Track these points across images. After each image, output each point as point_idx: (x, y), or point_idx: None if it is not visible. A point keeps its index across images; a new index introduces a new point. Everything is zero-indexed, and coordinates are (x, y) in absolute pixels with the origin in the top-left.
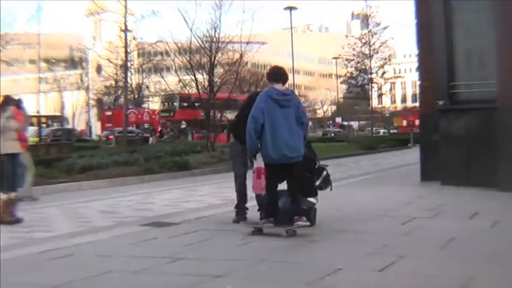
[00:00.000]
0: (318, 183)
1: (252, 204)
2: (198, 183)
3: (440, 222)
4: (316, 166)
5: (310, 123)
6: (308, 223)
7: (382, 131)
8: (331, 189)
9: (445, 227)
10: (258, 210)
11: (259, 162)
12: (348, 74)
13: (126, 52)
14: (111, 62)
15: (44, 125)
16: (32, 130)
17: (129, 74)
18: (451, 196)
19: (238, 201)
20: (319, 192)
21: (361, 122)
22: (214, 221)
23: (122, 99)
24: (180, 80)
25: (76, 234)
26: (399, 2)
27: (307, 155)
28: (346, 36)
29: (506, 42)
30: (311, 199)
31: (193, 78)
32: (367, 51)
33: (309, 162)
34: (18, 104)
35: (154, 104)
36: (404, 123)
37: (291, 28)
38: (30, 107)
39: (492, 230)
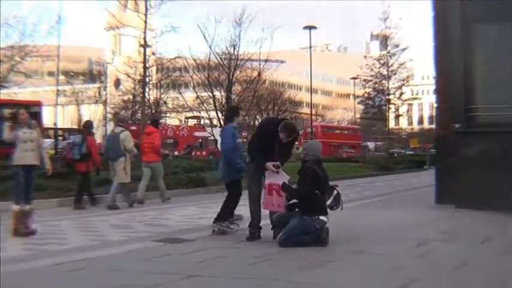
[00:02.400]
0: (329, 202)
1: (265, 222)
2: (213, 200)
3: (454, 246)
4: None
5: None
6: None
7: (396, 151)
8: (341, 209)
9: (458, 250)
10: (272, 228)
11: (271, 178)
12: (366, 95)
13: (145, 67)
14: (129, 77)
15: (60, 138)
16: (48, 143)
17: (147, 89)
18: (465, 220)
19: (252, 219)
20: (331, 212)
21: (377, 143)
22: (229, 239)
23: (139, 114)
24: (197, 97)
25: (89, 248)
26: (418, 24)
27: (318, 173)
28: (365, 56)
29: None
30: (323, 218)
31: (211, 95)
32: (385, 72)
33: (320, 181)
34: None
35: (171, 120)
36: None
37: (310, 47)
38: (48, 119)
39: (504, 256)
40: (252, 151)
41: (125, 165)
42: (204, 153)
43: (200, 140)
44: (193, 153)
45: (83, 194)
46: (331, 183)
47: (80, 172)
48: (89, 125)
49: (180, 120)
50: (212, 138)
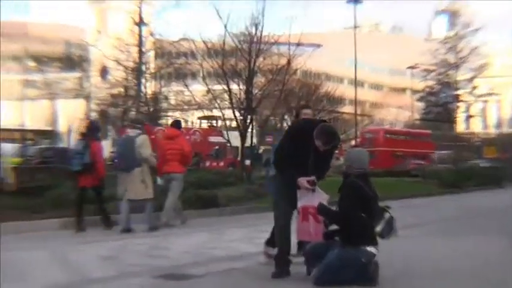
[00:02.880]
0: (379, 228)
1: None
2: (228, 225)
3: None
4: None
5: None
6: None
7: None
8: (396, 236)
9: None
10: (305, 262)
11: (305, 199)
12: (427, 89)
13: (140, 51)
14: (120, 64)
15: (29, 142)
16: (12, 148)
17: (143, 80)
18: None
19: (279, 249)
20: (381, 242)
21: (442, 152)
22: (248, 275)
23: (132, 113)
24: (208, 91)
25: (68, 286)
26: None
27: (365, 191)
28: (426, 39)
29: None
30: (371, 249)
31: (226, 88)
32: (452, 60)
33: (367, 201)
34: None
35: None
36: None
37: (355, 27)
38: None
39: None
40: (280, 162)
41: (143, 177)
42: (221, 163)
43: (217, 147)
44: (207, 164)
45: (83, 214)
46: (381, 203)
47: (82, 187)
48: (93, 127)
49: (186, 121)
50: (229, 144)
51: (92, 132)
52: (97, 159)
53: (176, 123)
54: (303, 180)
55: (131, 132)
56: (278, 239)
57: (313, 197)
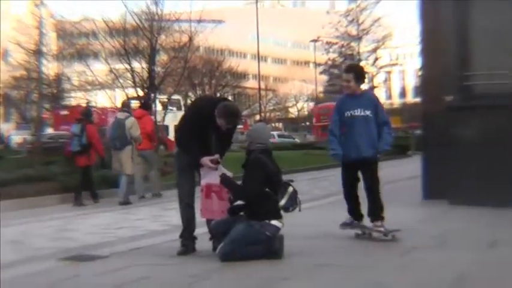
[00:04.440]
0: (282, 202)
1: (202, 231)
2: (134, 204)
3: (448, 254)
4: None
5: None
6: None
7: None
8: (299, 210)
9: (454, 259)
10: (210, 239)
11: (209, 177)
12: (330, 62)
13: (41, 33)
14: (20, 46)
15: None
16: None
17: (44, 61)
18: (462, 219)
19: (184, 227)
20: (285, 215)
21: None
22: (154, 254)
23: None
24: (111, 70)
25: None
26: None
27: (268, 166)
28: (328, 12)
29: None
30: (275, 222)
31: (128, 67)
32: (354, 32)
33: (270, 176)
34: None
35: (77, 101)
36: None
37: (256, 2)
38: None
39: None
40: (182, 140)
41: (132, 155)
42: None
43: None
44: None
45: (83, 190)
46: (285, 177)
47: (80, 166)
48: (87, 112)
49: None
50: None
51: (86, 116)
52: (94, 141)
53: (144, 105)
54: (206, 160)
55: (120, 115)
56: (183, 216)
57: (216, 175)
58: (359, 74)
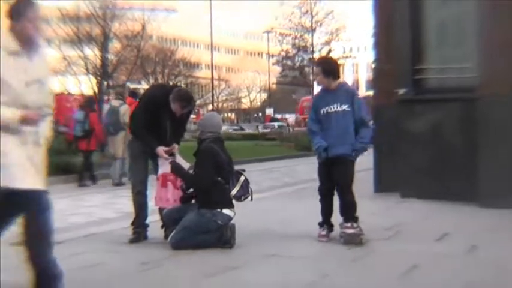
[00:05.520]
0: (234, 192)
1: (154, 219)
2: (87, 191)
3: (399, 246)
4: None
5: (233, 115)
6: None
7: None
8: (251, 199)
9: (405, 251)
10: (162, 227)
11: (165, 167)
12: (283, 53)
13: None
14: None
15: None
16: None
17: None
18: (413, 212)
19: (136, 215)
20: (238, 205)
21: (298, 116)
22: (107, 240)
23: None
24: (64, 57)
25: None
26: None
27: (220, 155)
28: (282, 3)
29: (493, 9)
30: (227, 211)
31: (81, 54)
32: (308, 24)
33: (222, 165)
34: None
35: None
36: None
37: None
38: None
39: (466, 257)
40: (136, 129)
41: (125, 140)
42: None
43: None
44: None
45: (86, 172)
46: (236, 167)
47: (82, 150)
48: (90, 100)
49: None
50: None
51: (89, 104)
52: (96, 126)
53: (132, 93)
54: (161, 150)
55: (115, 102)
56: (135, 204)
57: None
58: (327, 68)
